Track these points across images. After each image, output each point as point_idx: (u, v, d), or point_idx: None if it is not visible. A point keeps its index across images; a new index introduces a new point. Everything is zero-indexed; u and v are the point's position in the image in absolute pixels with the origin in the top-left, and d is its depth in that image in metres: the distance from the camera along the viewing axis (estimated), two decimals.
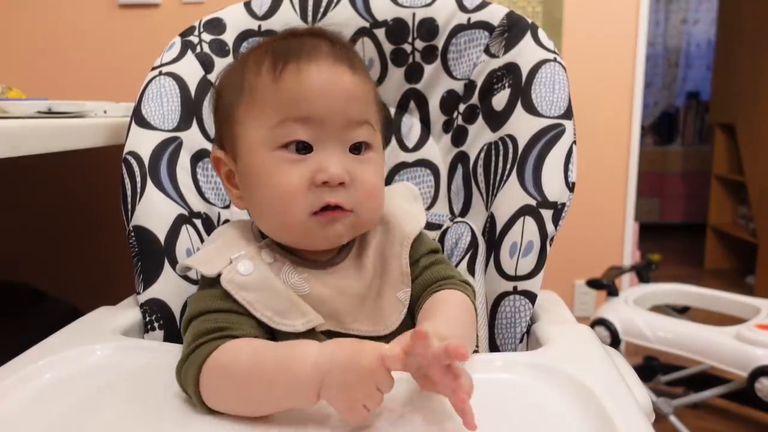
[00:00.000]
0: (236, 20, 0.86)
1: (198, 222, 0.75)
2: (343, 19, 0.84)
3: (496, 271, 0.73)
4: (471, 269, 0.75)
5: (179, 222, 0.73)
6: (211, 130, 0.78)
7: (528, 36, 0.79)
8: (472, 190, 0.82)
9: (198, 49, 0.83)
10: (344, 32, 0.77)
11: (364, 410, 0.44)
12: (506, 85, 0.79)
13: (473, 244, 0.76)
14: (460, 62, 0.85)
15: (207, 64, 0.82)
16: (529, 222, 0.71)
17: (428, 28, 0.84)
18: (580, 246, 2.00)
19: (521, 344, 0.70)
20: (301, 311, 0.57)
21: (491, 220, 0.76)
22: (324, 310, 0.58)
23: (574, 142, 0.73)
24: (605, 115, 1.99)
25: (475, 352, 0.64)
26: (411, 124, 0.89)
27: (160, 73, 0.79)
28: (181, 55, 0.81)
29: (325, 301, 0.59)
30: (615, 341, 1.52)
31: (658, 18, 4.42)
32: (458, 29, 0.84)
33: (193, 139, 0.79)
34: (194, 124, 0.80)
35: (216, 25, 0.85)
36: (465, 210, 0.83)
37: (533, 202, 0.71)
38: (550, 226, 0.71)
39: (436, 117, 0.88)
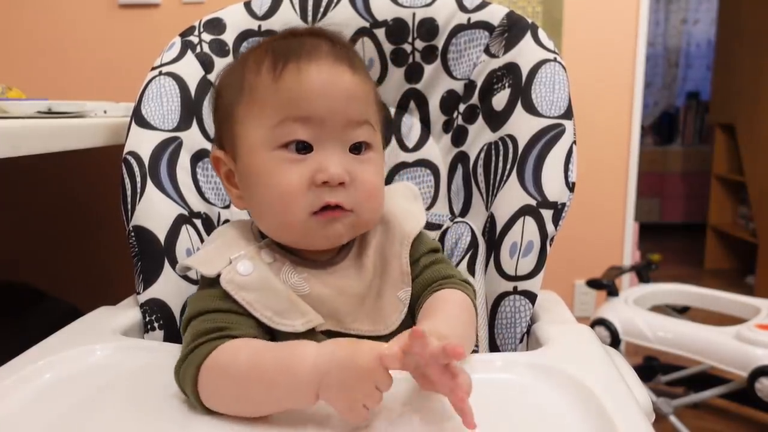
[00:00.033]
0: (236, 20, 0.86)
1: (198, 222, 0.75)
2: (343, 19, 0.84)
3: (496, 271, 0.73)
4: (471, 269, 0.75)
5: (179, 222, 0.73)
6: (211, 130, 0.78)
7: (528, 36, 0.79)
8: (472, 190, 0.82)
9: (198, 49, 0.83)
10: (344, 32, 0.77)
11: (363, 409, 0.44)
12: (506, 85, 0.79)
13: (473, 244, 0.76)
14: (460, 62, 0.85)
15: (207, 64, 0.82)
16: (529, 222, 0.71)
17: (428, 28, 0.84)
18: (580, 246, 2.00)
19: (521, 344, 0.70)
20: (301, 311, 0.57)
21: (491, 220, 0.75)
22: (324, 310, 0.58)
23: (574, 142, 0.73)
24: (605, 115, 1.99)
25: (475, 351, 0.64)
26: (411, 124, 0.89)
27: (160, 73, 0.79)
28: (181, 55, 0.81)
29: (325, 301, 0.59)
30: (615, 341, 1.52)
31: (658, 18, 4.42)
32: (458, 29, 0.84)
33: (193, 139, 0.79)
34: (194, 124, 0.80)
35: (216, 25, 0.85)
36: (465, 210, 0.83)
37: (533, 202, 0.71)
38: (550, 226, 0.70)
39: (436, 117, 0.88)
